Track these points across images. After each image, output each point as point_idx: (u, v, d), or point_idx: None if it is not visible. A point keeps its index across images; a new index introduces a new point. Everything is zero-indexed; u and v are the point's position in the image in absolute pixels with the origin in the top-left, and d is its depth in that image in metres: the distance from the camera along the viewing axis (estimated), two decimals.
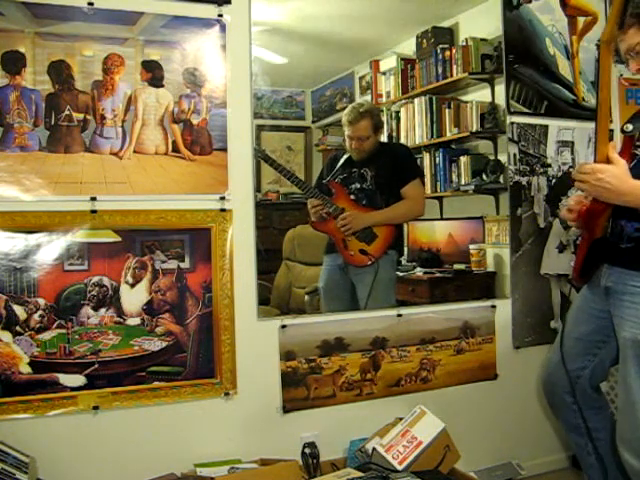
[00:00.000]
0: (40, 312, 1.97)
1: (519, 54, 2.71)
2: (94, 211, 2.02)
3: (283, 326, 2.30)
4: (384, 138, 3.50)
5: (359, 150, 2.79)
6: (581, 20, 2.79)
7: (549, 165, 2.81)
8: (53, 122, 2.00)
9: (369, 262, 2.67)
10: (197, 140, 2.16)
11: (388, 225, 2.72)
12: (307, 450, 2.28)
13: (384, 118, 3.46)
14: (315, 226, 2.76)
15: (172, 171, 2.13)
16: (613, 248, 1.89)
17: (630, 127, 1.78)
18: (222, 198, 2.18)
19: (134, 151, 2.08)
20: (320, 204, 2.68)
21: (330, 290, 2.76)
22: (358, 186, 2.74)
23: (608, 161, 1.75)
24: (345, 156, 2.85)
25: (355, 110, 2.80)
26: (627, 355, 1.85)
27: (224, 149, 2.19)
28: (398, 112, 3.47)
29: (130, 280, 2.08)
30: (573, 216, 1.91)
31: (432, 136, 3.28)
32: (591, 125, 2.81)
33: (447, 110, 3.21)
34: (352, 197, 2.76)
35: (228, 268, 2.19)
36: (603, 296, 1.97)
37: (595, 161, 1.78)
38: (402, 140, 3.44)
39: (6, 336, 1.94)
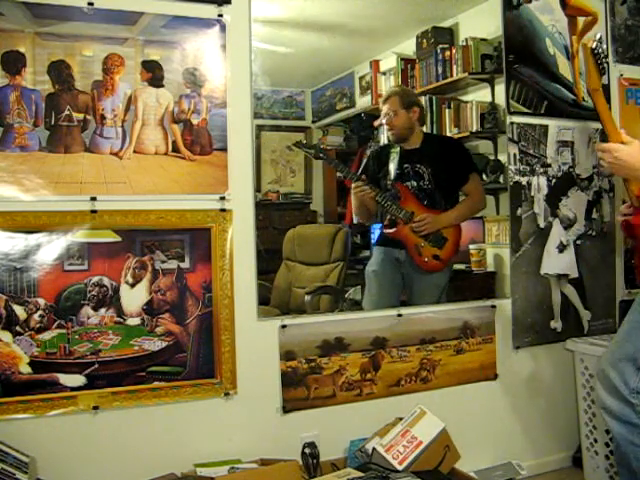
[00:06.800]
0: (40, 312, 1.97)
1: (519, 54, 2.71)
2: (94, 211, 2.02)
3: (283, 326, 2.30)
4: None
5: (391, 127, 2.79)
6: (581, 20, 2.79)
7: (549, 165, 2.80)
8: (53, 122, 1.99)
9: (442, 268, 2.66)
10: (197, 140, 2.16)
11: (454, 227, 2.71)
12: (307, 450, 2.28)
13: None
14: (388, 234, 2.71)
15: (172, 171, 2.12)
16: None
17: None
18: (222, 198, 2.18)
19: (134, 151, 2.08)
20: (391, 209, 2.64)
21: (381, 276, 2.76)
22: (415, 184, 2.70)
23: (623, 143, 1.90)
24: (394, 150, 2.83)
25: (387, 91, 2.98)
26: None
27: (224, 149, 2.19)
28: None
29: (130, 280, 2.08)
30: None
31: None
32: (591, 125, 2.84)
33: (447, 110, 3.21)
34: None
35: (228, 268, 2.19)
36: None
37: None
38: None
39: (6, 336, 1.94)
